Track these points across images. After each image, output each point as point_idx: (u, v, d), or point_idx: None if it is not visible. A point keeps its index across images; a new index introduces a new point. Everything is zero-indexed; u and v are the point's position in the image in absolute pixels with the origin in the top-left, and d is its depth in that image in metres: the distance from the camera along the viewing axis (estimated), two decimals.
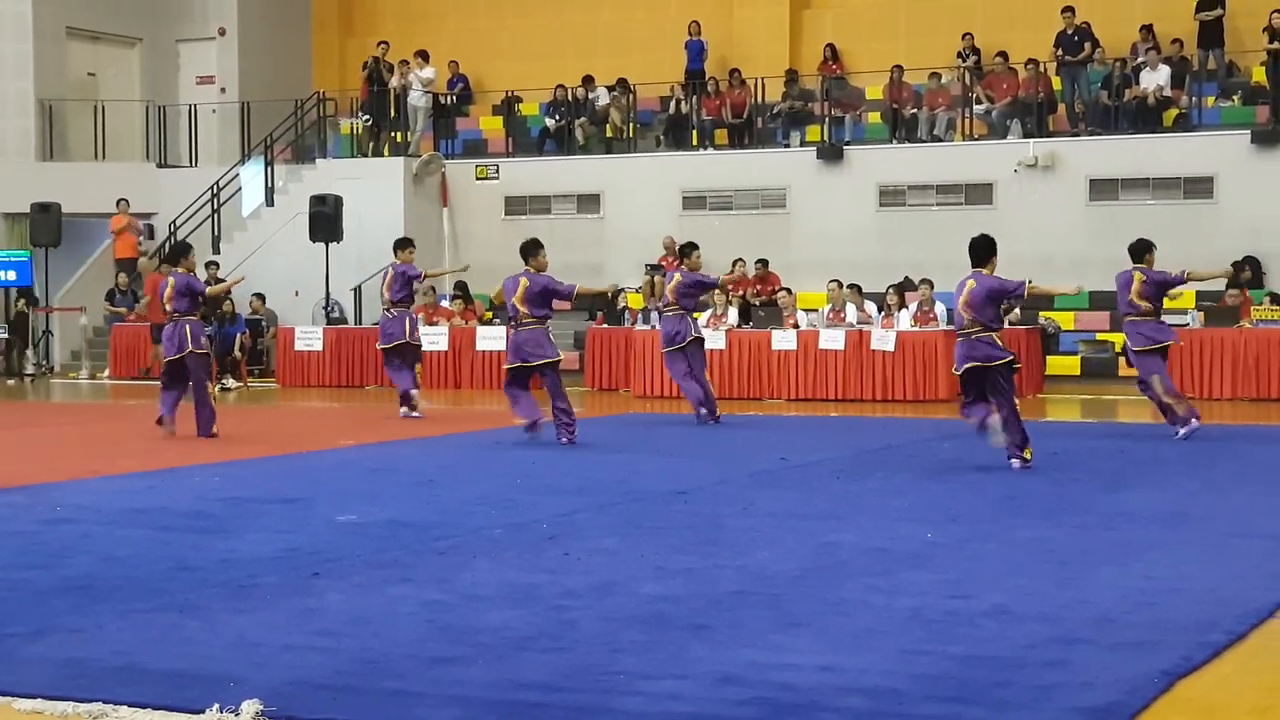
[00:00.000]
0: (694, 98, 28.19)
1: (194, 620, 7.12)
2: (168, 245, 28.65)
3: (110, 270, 28.29)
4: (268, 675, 6.03)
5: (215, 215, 29.09)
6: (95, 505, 11.02)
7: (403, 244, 19.02)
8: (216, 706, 5.60)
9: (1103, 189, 24.58)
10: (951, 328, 21.27)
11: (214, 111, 30.74)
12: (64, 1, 29.26)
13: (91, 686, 5.89)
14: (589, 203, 27.64)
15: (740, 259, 24.78)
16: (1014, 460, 13.03)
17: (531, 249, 15.81)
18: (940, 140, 26.16)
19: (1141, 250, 16.21)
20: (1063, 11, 26.07)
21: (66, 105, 29.59)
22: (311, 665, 6.26)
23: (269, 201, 28.96)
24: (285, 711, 5.57)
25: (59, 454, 14.87)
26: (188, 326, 15.89)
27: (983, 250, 13.88)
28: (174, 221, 28.90)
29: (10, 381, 26.54)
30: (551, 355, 15.47)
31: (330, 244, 25.85)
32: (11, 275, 27.21)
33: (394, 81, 28.94)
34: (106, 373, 26.47)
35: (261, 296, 26.82)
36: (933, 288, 22.05)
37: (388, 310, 18.59)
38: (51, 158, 29.24)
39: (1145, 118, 24.98)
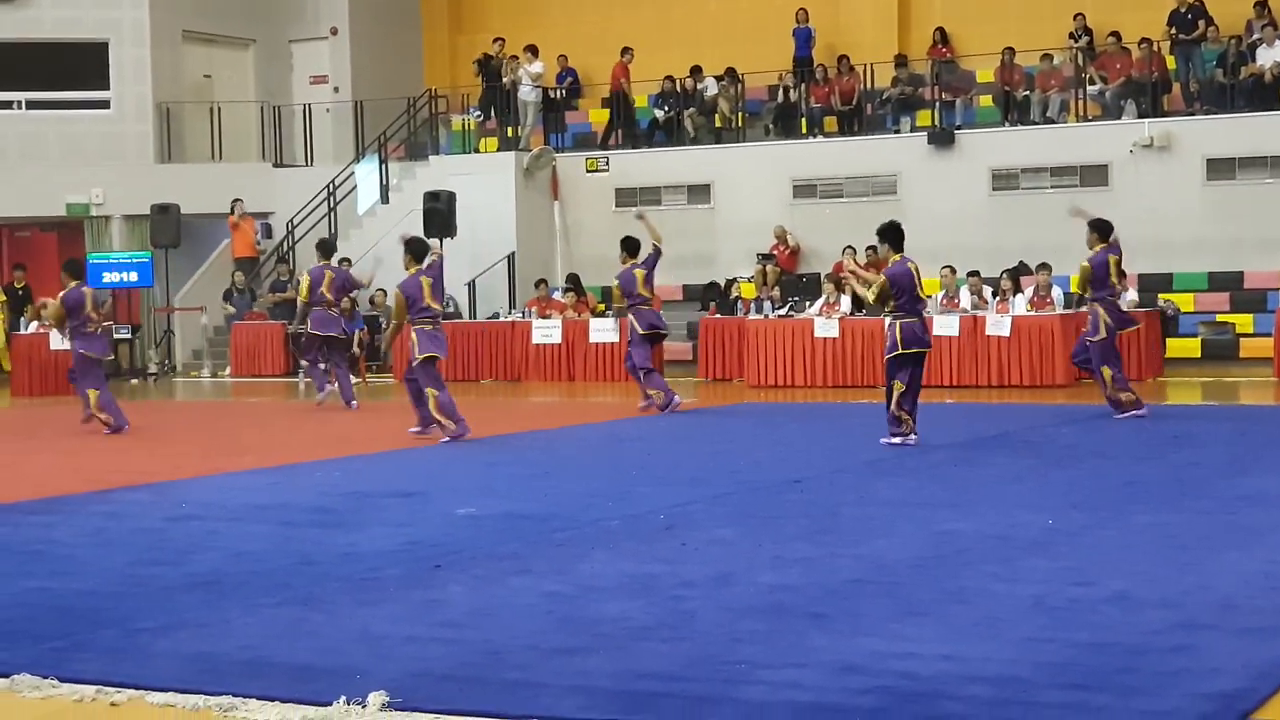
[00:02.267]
0: (802, 86, 28.05)
1: (318, 614, 7.21)
2: (285, 244, 29.12)
3: (229, 270, 28.61)
4: (392, 667, 6.09)
5: (331, 214, 29.37)
6: (219, 502, 11.18)
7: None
8: (343, 699, 5.65)
9: (1220, 169, 24.15)
10: (1070, 312, 21.22)
11: (328, 111, 31.03)
12: (179, 6, 29.66)
13: (220, 680, 5.97)
14: (699, 193, 27.60)
15: (851, 247, 24.58)
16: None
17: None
18: (1053, 122, 25.83)
19: (1109, 230, 16.29)
20: None
21: (183, 108, 29.99)
22: (434, 657, 6.31)
23: (384, 199, 29.22)
24: (410, 703, 5.61)
25: (184, 452, 15.09)
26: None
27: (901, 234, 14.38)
28: (291, 220, 29.23)
29: (134, 381, 26.99)
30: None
31: (444, 240, 26.00)
32: (133, 276, 27.64)
33: (505, 78, 29.09)
34: (228, 371, 26.83)
35: (384, 292, 27.02)
36: (1050, 272, 21.78)
37: (329, 309, 19.83)
38: (170, 160, 29.63)
39: (1262, 95, 24.48)
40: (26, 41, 28.68)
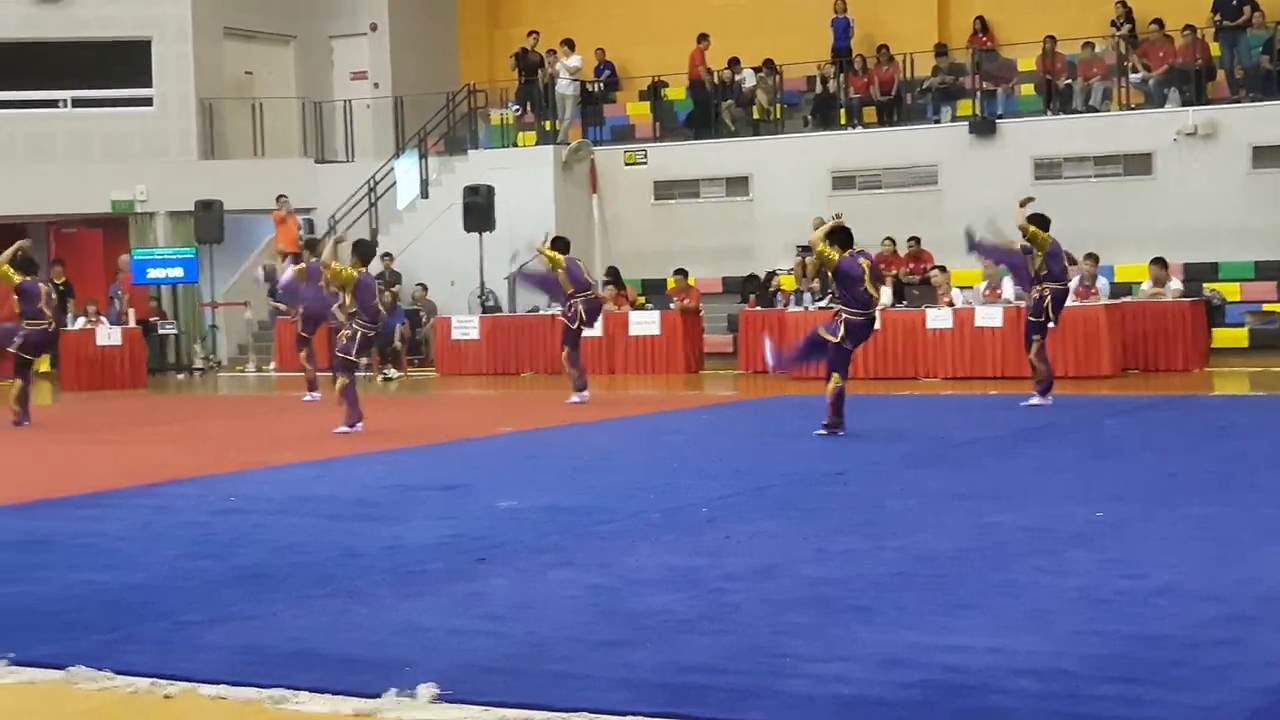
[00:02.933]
0: (841, 76, 27.96)
1: (364, 606, 7.22)
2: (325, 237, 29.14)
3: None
4: (438, 659, 6.10)
5: (372, 208, 29.47)
6: (265, 495, 11.22)
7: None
8: (393, 691, 5.65)
9: (1266, 156, 23.90)
10: (1116, 301, 21.11)
11: (368, 106, 31.12)
12: (221, 3, 29.77)
13: (270, 672, 5.99)
14: (738, 185, 27.55)
15: (890, 238, 24.56)
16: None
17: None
18: (1096, 111, 25.66)
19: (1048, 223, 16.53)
20: None
21: (225, 104, 30.11)
22: (480, 649, 6.31)
23: (423, 194, 29.28)
24: (458, 696, 5.61)
25: (229, 446, 15.16)
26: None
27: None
28: (333, 216, 29.32)
29: (180, 376, 27.16)
30: None
31: (484, 234, 26.07)
32: (178, 272, 27.80)
33: (543, 71, 29.12)
34: (272, 365, 26.94)
35: (424, 287, 27.14)
36: (1097, 262, 21.57)
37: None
38: (212, 156, 29.76)
39: None
40: (70, 40, 28.85)
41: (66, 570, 8.34)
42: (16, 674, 6.19)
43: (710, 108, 28.62)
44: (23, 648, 6.47)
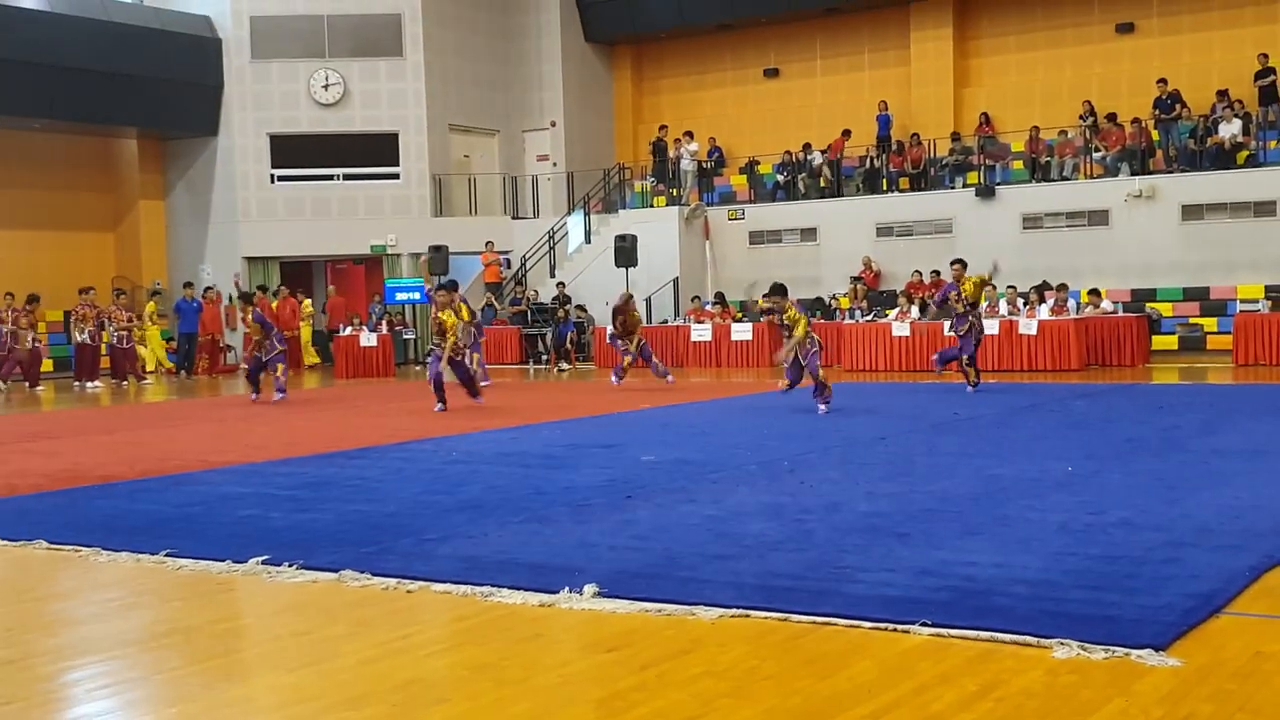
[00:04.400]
0: (884, 155, 27.68)
1: (548, 529, 7.27)
2: (519, 273, 29.39)
3: (482, 291, 29.02)
4: (600, 567, 6.13)
5: (551, 251, 29.67)
6: (478, 451, 11.32)
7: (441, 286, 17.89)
8: (567, 589, 5.70)
9: (1192, 212, 23.38)
10: (1080, 316, 20.70)
11: (548, 179, 31.32)
12: (446, 106, 30.12)
13: (481, 575, 6.06)
14: (809, 234, 27.35)
15: (918, 270, 24.29)
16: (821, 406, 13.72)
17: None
18: (1068, 179, 25.18)
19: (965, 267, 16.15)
20: (1158, 82, 24.97)
21: (450, 178, 30.45)
22: (630, 560, 6.34)
23: (587, 240, 29.39)
24: (614, 593, 5.64)
25: (453, 416, 15.29)
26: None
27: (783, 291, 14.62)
28: (524, 257, 29.54)
29: (417, 368, 27.48)
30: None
31: (629, 269, 26.14)
32: (416, 295, 28.17)
33: (671, 154, 29.14)
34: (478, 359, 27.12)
35: (583, 307, 27.28)
36: (1066, 289, 21.42)
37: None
38: (441, 214, 30.14)
39: (1223, 158, 23.70)
40: (343, 134, 29.38)
41: (341, 503, 8.49)
42: (304, 575, 6.32)
43: (790, 178, 28.46)
44: (309, 557, 6.61)
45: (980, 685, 4.31)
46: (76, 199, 29.52)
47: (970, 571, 5.83)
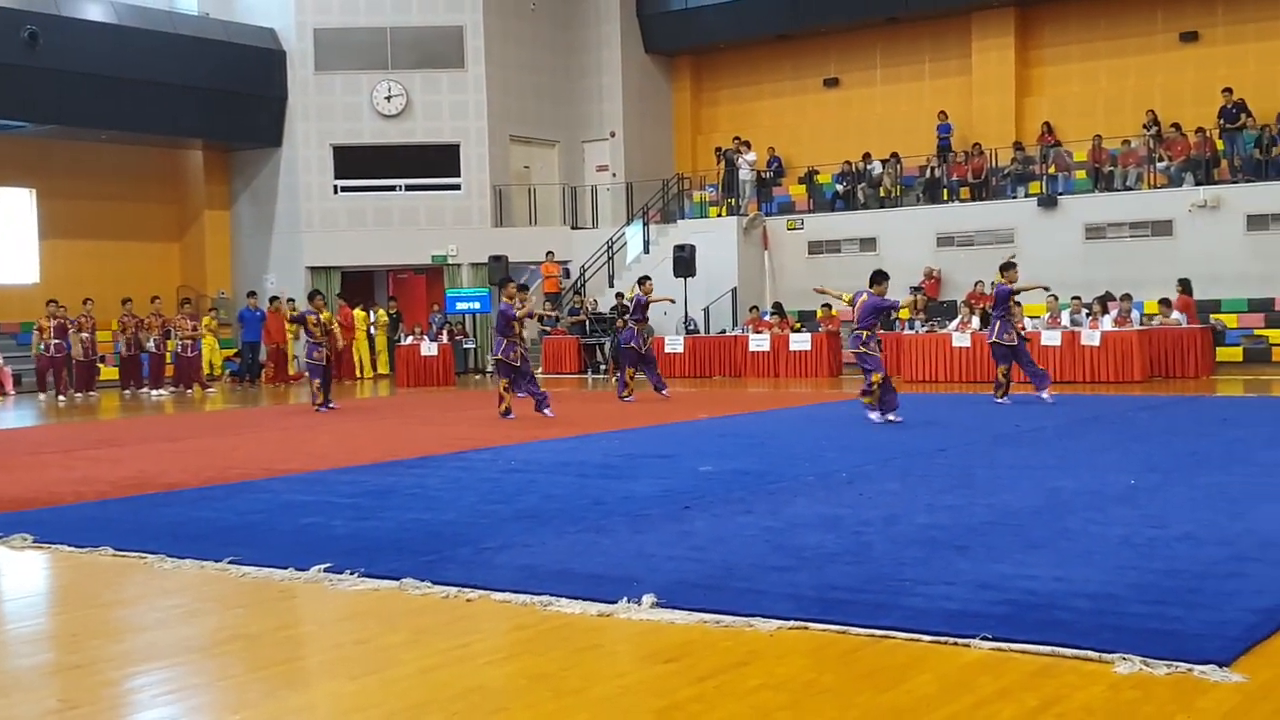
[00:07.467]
0: (944, 165, 27.50)
1: (606, 539, 7.26)
2: (579, 282, 29.50)
3: (541, 300, 29.14)
4: (658, 577, 6.11)
5: (610, 261, 29.75)
6: (536, 460, 11.33)
7: (503, 284, 17.48)
8: (625, 599, 5.69)
9: (1257, 222, 23.05)
10: (1145, 328, 20.42)
11: (608, 190, 31.45)
12: (507, 118, 30.34)
13: (539, 584, 6.06)
14: (869, 244, 27.23)
15: (980, 280, 24.06)
16: (874, 415, 13.69)
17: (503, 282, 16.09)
18: (1131, 189, 24.88)
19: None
20: (1223, 91, 24.64)
21: (510, 188, 30.66)
22: (688, 570, 6.31)
23: (645, 250, 29.46)
24: (672, 604, 5.62)
25: (514, 425, 15.32)
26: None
27: (877, 277, 14.48)
28: (583, 266, 29.65)
29: (478, 376, 27.68)
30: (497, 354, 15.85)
31: (688, 279, 26.15)
32: (476, 305, 28.37)
33: (729, 164, 29.13)
34: (539, 370, 27.30)
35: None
36: (1130, 299, 21.12)
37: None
38: (501, 224, 30.34)
39: None
40: (405, 144, 29.67)
41: (401, 511, 8.52)
42: (365, 583, 6.34)
43: (850, 188, 28.34)
44: (370, 564, 6.65)
45: (1041, 700, 4.27)
46: (143, 209, 30.06)
47: (1031, 585, 5.75)
